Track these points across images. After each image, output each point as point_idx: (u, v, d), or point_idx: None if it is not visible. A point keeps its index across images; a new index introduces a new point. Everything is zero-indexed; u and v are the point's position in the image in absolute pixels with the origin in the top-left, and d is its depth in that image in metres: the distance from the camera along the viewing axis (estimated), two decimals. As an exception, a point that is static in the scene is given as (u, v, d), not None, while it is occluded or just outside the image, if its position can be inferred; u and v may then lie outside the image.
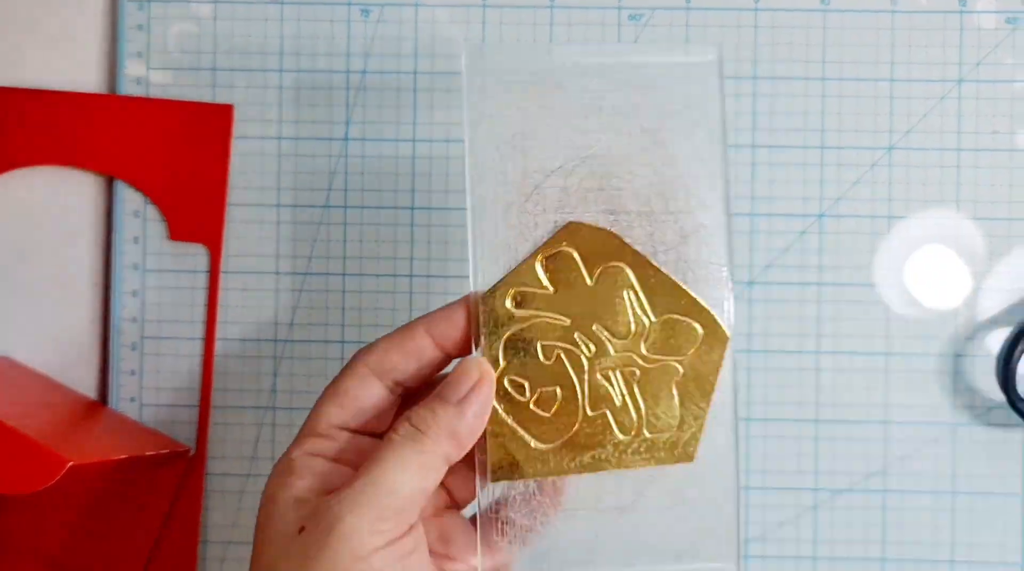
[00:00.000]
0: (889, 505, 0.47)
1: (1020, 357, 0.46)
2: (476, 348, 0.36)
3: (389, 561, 0.33)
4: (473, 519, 0.37)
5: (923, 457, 0.47)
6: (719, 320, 0.36)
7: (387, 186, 0.47)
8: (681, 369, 0.36)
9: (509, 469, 0.36)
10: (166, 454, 0.45)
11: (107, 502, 0.47)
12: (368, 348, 0.36)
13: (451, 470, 0.35)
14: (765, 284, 0.47)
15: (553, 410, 0.36)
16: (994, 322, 0.47)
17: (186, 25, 0.48)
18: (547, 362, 0.36)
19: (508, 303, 0.36)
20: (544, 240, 0.36)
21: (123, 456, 0.42)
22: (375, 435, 0.36)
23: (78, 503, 0.47)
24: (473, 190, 0.36)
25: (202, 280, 0.48)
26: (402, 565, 0.33)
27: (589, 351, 0.36)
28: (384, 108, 0.47)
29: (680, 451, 0.36)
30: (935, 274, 0.47)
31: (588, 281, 0.36)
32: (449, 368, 0.37)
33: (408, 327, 0.37)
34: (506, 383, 0.36)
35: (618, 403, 0.36)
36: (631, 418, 0.36)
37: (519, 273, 0.36)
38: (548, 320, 0.36)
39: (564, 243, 0.36)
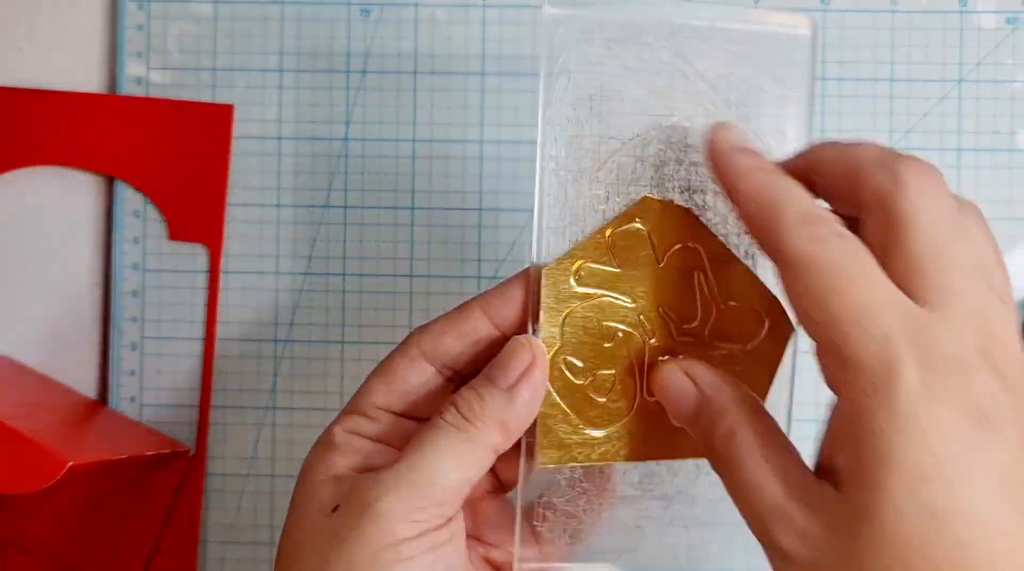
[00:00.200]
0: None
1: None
2: (532, 326, 0.34)
3: (420, 550, 0.31)
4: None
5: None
6: (788, 312, 0.34)
7: (387, 186, 0.47)
8: (743, 359, 0.35)
9: (558, 454, 0.34)
10: (166, 454, 0.45)
11: (107, 502, 0.47)
12: (424, 328, 0.35)
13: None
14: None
15: (609, 394, 0.34)
16: (994, 322, 0.47)
17: (186, 25, 0.48)
18: (607, 344, 0.34)
19: (571, 279, 0.34)
20: (615, 213, 0.34)
21: (123, 456, 0.42)
22: (421, 419, 0.35)
23: (78, 503, 0.47)
24: (544, 152, 0.33)
25: (202, 280, 0.48)
26: (434, 555, 0.32)
27: (651, 334, 0.34)
28: (384, 108, 0.47)
29: None
30: (935, 274, 0.47)
31: (657, 261, 0.34)
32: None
33: (463, 307, 0.34)
34: (562, 363, 0.34)
35: None
36: None
37: (585, 248, 0.34)
38: (612, 300, 0.34)
39: (636, 219, 0.34)
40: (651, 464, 0.35)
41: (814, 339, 0.29)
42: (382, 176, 0.47)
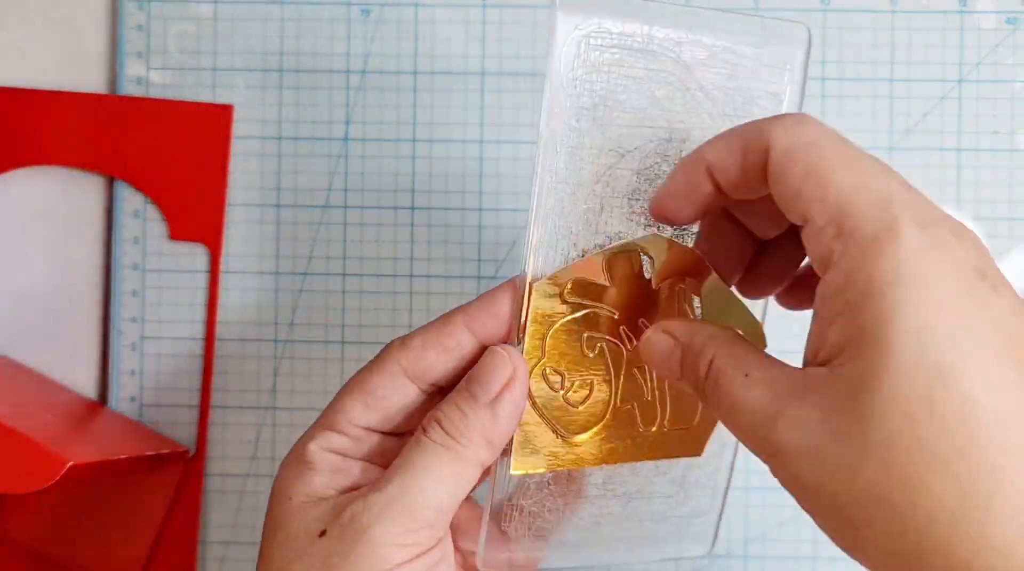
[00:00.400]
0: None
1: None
2: (518, 336, 0.34)
3: None
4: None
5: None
6: (763, 329, 0.34)
7: (387, 186, 0.47)
8: None
9: (532, 460, 0.34)
10: (166, 454, 0.45)
11: (107, 502, 0.47)
12: (402, 343, 0.34)
13: None
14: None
15: (584, 402, 0.34)
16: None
17: (186, 25, 0.48)
18: (589, 354, 0.34)
19: (560, 294, 0.33)
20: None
21: (123, 456, 0.42)
22: (399, 434, 0.35)
23: (78, 503, 0.47)
24: (544, 163, 0.33)
25: (202, 280, 0.48)
26: None
27: (631, 345, 0.34)
28: (384, 108, 0.47)
29: (691, 446, 0.36)
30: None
31: (651, 283, 0.34)
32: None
33: (445, 321, 0.34)
34: (541, 374, 0.34)
35: (648, 398, 0.35)
36: (656, 413, 0.35)
37: (578, 267, 0.34)
38: (598, 311, 0.34)
39: (640, 250, 0.34)
40: (616, 465, 0.36)
41: (808, 219, 0.29)
42: (382, 176, 0.47)
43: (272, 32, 0.48)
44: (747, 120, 0.31)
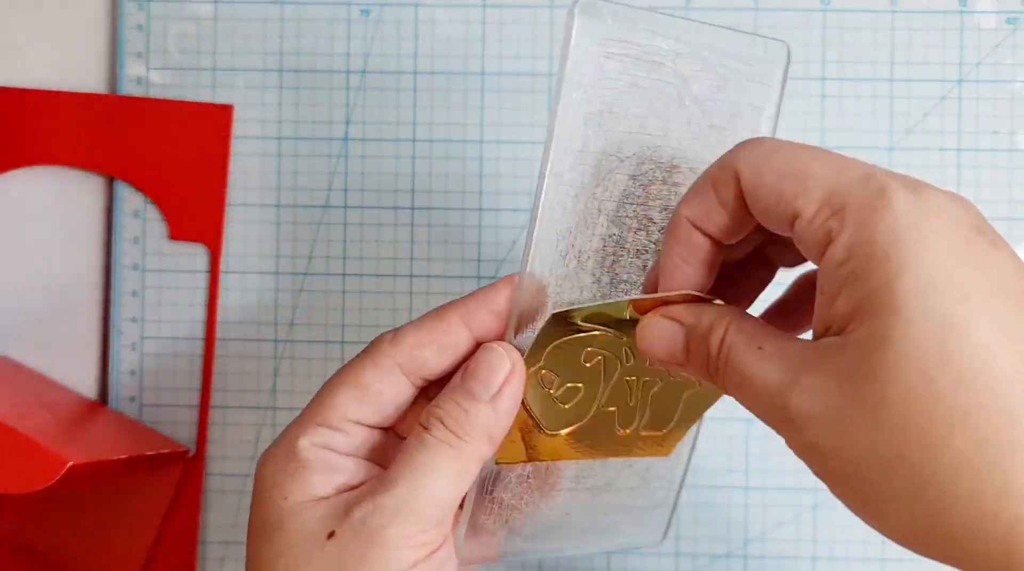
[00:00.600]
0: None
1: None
2: (513, 332, 0.34)
3: None
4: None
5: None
6: None
7: (387, 186, 0.47)
8: (697, 386, 0.36)
9: (516, 453, 0.35)
10: (166, 454, 0.45)
11: (107, 502, 0.47)
12: (394, 338, 0.34)
13: None
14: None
15: (573, 403, 0.35)
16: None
17: (186, 25, 0.48)
18: (587, 365, 0.35)
19: (576, 322, 0.34)
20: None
21: (123, 456, 0.42)
22: (390, 428, 0.35)
23: (78, 503, 0.47)
24: (551, 166, 0.33)
25: (202, 280, 0.48)
26: None
27: (628, 361, 0.35)
28: (384, 108, 0.47)
29: (662, 447, 0.37)
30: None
31: None
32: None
33: (440, 315, 0.34)
34: (536, 374, 0.34)
35: (631, 404, 0.36)
36: (635, 418, 0.36)
37: (604, 307, 0.34)
38: (606, 333, 0.34)
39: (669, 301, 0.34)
40: (587, 460, 0.36)
41: (797, 213, 0.29)
42: (382, 176, 0.47)
43: (272, 32, 0.48)
44: (732, 132, 0.33)
